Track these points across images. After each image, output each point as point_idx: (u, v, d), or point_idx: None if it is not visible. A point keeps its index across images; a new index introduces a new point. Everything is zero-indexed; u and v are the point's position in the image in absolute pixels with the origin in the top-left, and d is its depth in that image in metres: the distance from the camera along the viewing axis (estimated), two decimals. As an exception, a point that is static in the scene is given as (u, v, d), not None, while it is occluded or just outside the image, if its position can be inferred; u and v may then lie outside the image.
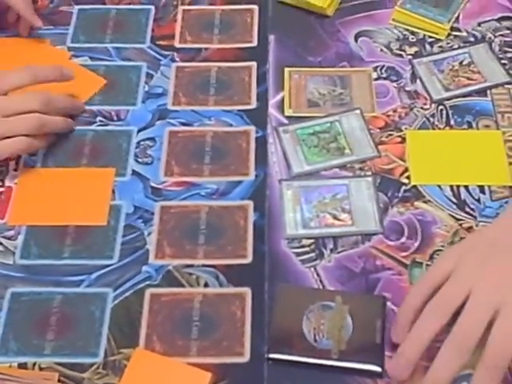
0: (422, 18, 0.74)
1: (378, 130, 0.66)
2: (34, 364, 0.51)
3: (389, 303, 0.54)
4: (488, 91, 0.68)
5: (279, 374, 0.50)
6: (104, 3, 0.77)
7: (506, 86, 0.69)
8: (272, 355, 0.51)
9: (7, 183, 0.61)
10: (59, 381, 0.50)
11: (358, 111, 0.67)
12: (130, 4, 0.77)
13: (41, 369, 0.50)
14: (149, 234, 0.58)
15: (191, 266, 0.56)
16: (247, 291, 0.54)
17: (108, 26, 0.74)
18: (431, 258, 0.57)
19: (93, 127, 0.65)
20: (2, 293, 0.54)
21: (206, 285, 0.55)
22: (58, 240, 0.57)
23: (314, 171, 0.63)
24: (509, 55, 0.72)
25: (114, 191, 0.61)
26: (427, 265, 0.56)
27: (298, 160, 0.64)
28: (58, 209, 0.59)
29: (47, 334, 0.52)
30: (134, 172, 0.62)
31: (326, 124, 0.66)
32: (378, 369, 0.50)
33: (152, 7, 0.76)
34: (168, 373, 0.50)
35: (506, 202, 0.60)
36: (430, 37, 0.74)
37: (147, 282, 0.55)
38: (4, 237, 0.58)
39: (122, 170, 0.62)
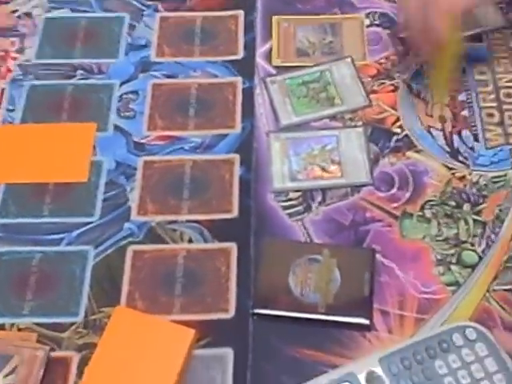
0: None
1: (370, 79, 0.63)
2: (13, 325, 0.49)
3: (378, 255, 0.52)
4: (483, 36, 0.66)
5: (265, 330, 0.49)
6: (84, -46, 0.74)
7: (502, 30, 0.66)
8: (257, 310, 0.50)
9: (-15, 140, 0.60)
10: (38, 341, 0.48)
11: (348, 59, 0.64)
12: (111, -47, 0.74)
13: (19, 329, 0.49)
14: (131, 189, 0.56)
15: (175, 221, 0.54)
16: (232, 246, 0.53)
17: (89, -23, 0.72)
18: (422, 208, 0.55)
19: (73, 81, 0.63)
20: (-20, 252, 0.53)
21: (190, 241, 0.53)
22: (37, 198, 0.56)
23: (303, 122, 0.61)
24: (507, -2, 0.68)
25: (95, 147, 0.59)
26: (418, 216, 0.54)
27: (286, 111, 0.61)
28: (37, 166, 0.58)
29: (26, 294, 0.51)
30: (116, 127, 0.60)
31: (315, 73, 0.64)
32: (366, 321, 0.49)
33: (135, -44, 0.73)
34: (150, 330, 0.48)
35: (501, 150, 0.58)
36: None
37: (129, 239, 0.54)
38: (-17, 195, 0.56)
39: (103, 124, 0.60)
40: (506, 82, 0.62)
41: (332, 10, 0.69)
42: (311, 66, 0.64)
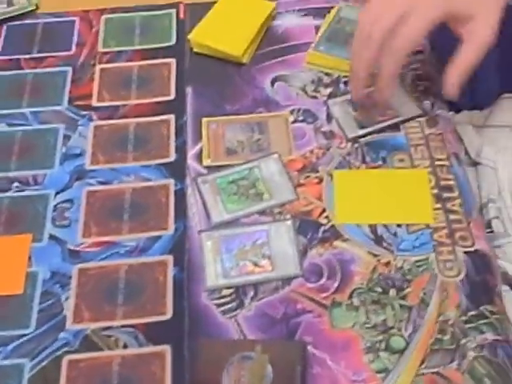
0: (336, 59, 0.75)
1: (296, 173, 0.67)
2: None
3: (310, 347, 0.54)
4: (401, 125, 0.70)
5: (201, 432, 0.50)
6: (21, 68, 0.77)
7: (418, 119, 0.70)
8: (194, 412, 0.50)
9: None
10: None
11: (276, 155, 0.68)
12: (47, 67, 0.77)
13: None
14: (66, 298, 0.57)
15: (110, 327, 0.55)
16: (166, 349, 0.54)
17: (25, 91, 0.74)
18: (350, 297, 0.57)
19: (9, 194, 0.65)
20: None
21: (124, 346, 0.54)
22: (-27, 313, 0.57)
23: (234, 219, 0.63)
24: (420, 88, 0.73)
25: (30, 258, 0.60)
26: (347, 304, 0.56)
27: (218, 209, 0.64)
28: (-26, 281, 0.58)
29: (-38, 413, 0.51)
30: (51, 236, 0.62)
31: (244, 171, 0.67)
32: (299, 416, 0.50)
33: (69, 68, 0.77)
34: None
35: (422, 234, 0.61)
36: (345, 76, 0.75)
37: (65, 349, 0.54)
38: None
39: (38, 235, 0.62)
40: (424, 167, 0.66)
41: (258, 109, 0.73)
42: (240, 164, 0.67)
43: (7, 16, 0.82)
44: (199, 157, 0.68)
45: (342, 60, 0.75)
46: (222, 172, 0.67)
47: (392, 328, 0.55)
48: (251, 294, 0.58)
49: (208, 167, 0.67)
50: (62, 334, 0.55)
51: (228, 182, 0.66)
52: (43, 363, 0.53)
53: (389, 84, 0.62)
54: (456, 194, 0.63)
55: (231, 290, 0.58)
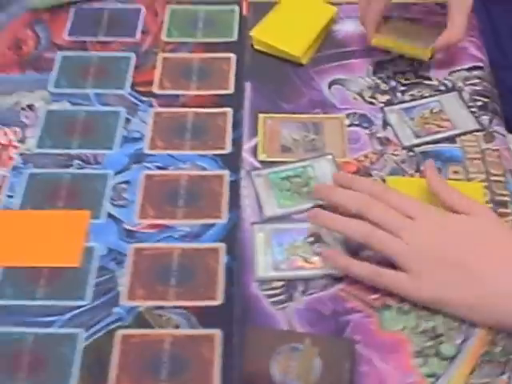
0: (402, 43, 0.76)
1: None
2: (3, 404, 0.51)
3: (358, 346, 0.55)
4: (457, 138, 0.71)
5: (247, 416, 0.51)
6: (87, 50, 0.79)
7: (475, 133, 0.71)
8: (240, 396, 0.51)
9: (-16, 225, 0.62)
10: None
11: (330, 156, 0.69)
12: (112, 51, 0.79)
13: (10, 409, 0.51)
14: (121, 275, 0.59)
15: (162, 307, 0.57)
16: (217, 333, 0.55)
17: (89, 73, 0.76)
18: (401, 301, 0.57)
19: (70, 170, 0.67)
20: (-26, 333, 0.55)
21: (176, 326, 0.56)
22: (32, 281, 0.58)
23: (286, 214, 0.64)
24: (479, 103, 0.74)
25: (88, 233, 0.62)
26: (397, 308, 0.57)
27: (270, 203, 0.65)
28: (33, 250, 0.60)
29: (19, 374, 0.52)
30: (109, 215, 0.63)
31: (298, 169, 0.68)
32: (344, 411, 0.51)
33: (133, 54, 0.79)
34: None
35: None
36: (402, 84, 0.76)
37: (118, 324, 0.56)
38: (-20, 277, 0.59)
39: (97, 212, 0.63)
40: (479, 181, 0.67)
41: (314, 109, 0.74)
42: (294, 162, 0.68)
43: (75, -1, 0.84)
44: (254, 151, 0.70)
45: (409, 44, 0.76)
46: (275, 168, 0.68)
47: (442, 335, 0.55)
48: (301, 288, 0.59)
49: (263, 162, 0.69)
50: (115, 309, 0.56)
51: (281, 178, 0.67)
52: (97, 335, 0.55)
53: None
54: (510, 210, 0.64)
55: (281, 283, 0.59)
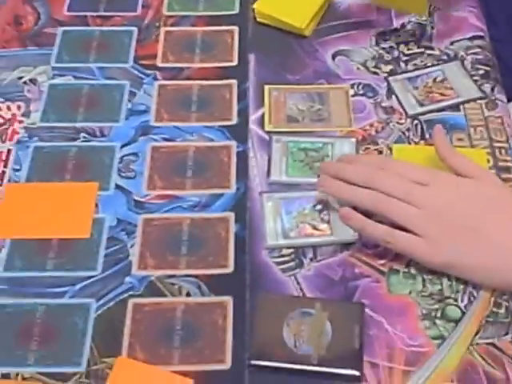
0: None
1: (356, 143, 0.68)
2: (17, 374, 0.51)
3: (367, 309, 0.55)
4: (461, 106, 0.71)
5: (260, 381, 0.51)
6: (88, 25, 0.79)
7: (478, 101, 0.71)
8: (253, 362, 0.52)
9: (-9, 198, 0.62)
10: (42, 390, 0.50)
11: (353, 139, 0.68)
12: (113, 26, 0.79)
13: (24, 379, 0.51)
14: (132, 245, 0.59)
15: (173, 276, 0.57)
16: (229, 300, 0.55)
17: (92, 47, 0.76)
18: (408, 265, 0.58)
19: (76, 143, 0.67)
20: (-15, 305, 0.55)
21: (187, 294, 0.56)
22: (41, 253, 0.58)
23: (290, 183, 0.64)
24: (480, 72, 0.74)
25: (97, 205, 0.62)
26: (404, 272, 0.58)
27: (279, 169, 0.65)
28: (42, 222, 0.60)
29: (30, 345, 0.53)
30: (118, 186, 0.63)
31: (318, 144, 0.67)
32: (356, 373, 0.51)
33: (135, 28, 0.78)
34: (150, 380, 0.51)
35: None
36: (405, 54, 0.76)
37: (130, 293, 0.56)
38: (-10, 247, 0.59)
39: (105, 184, 0.63)
40: (483, 147, 0.67)
41: (319, 80, 0.74)
42: (317, 136, 0.68)
43: (75, -26, 0.84)
44: (261, 122, 0.70)
45: None
46: (296, 137, 0.68)
47: (448, 298, 0.56)
48: (310, 255, 0.59)
49: (269, 132, 0.69)
50: (127, 279, 0.57)
51: (298, 148, 0.67)
52: (109, 304, 0.55)
53: None
54: (514, 174, 0.64)
55: (291, 250, 0.59)
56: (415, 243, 0.55)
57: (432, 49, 0.77)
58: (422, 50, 0.77)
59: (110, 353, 0.52)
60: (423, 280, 0.57)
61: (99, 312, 0.55)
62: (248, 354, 0.52)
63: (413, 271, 0.58)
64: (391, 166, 0.60)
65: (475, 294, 0.56)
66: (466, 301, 0.56)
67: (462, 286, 0.56)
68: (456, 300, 0.56)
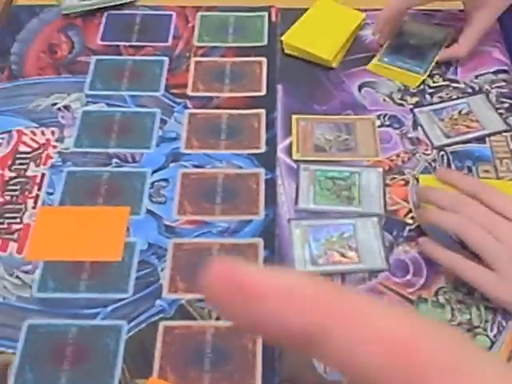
0: (398, 70, 0.78)
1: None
2: (50, 394, 0.52)
3: (396, 337, 0.55)
4: (486, 138, 0.72)
5: (290, 405, 0.52)
6: (120, 54, 0.81)
7: (504, 133, 0.72)
8: (283, 386, 0.52)
9: (26, 220, 0.64)
10: (75, 409, 0.51)
11: (380, 169, 0.69)
12: (144, 55, 0.81)
13: (56, 398, 0.52)
14: (162, 269, 0.60)
15: (203, 300, 0.58)
16: (258, 324, 0.56)
17: (124, 76, 0.78)
18: (436, 294, 0.58)
19: (108, 168, 0.68)
20: (19, 325, 0.56)
21: (217, 318, 0.56)
22: (74, 274, 0.59)
23: (318, 211, 0.65)
24: (505, 105, 0.75)
25: (128, 229, 0.63)
26: (433, 301, 0.58)
27: (307, 197, 0.66)
28: (75, 245, 0.61)
29: (63, 365, 0.53)
30: (148, 211, 0.65)
31: (345, 172, 0.68)
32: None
33: (166, 58, 0.80)
34: (181, 402, 0.51)
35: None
36: (430, 87, 0.78)
37: (161, 315, 0.57)
38: (22, 271, 0.60)
39: (136, 208, 0.65)
40: (509, 180, 0.68)
41: (346, 111, 0.75)
42: (344, 166, 0.69)
43: (108, 5, 0.86)
44: (289, 151, 0.71)
45: (403, 71, 0.77)
46: (324, 166, 0.69)
47: (477, 327, 0.56)
48: (338, 282, 0.60)
49: (297, 161, 0.70)
50: (158, 302, 0.58)
51: (326, 177, 0.68)
52: (140, 326, 0.56)
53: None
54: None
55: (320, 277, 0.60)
56: (486, 276, 0.55)
57: (457, 82, 0.78)
58: (447, 82, 0.78)
59: (141, 374, 0.53)
60: (452, 309, 0.57)
61: (130, 334, 0.56)
62: (278, 378, 0.53)
63: (441, 300, 0.58)
64: (488, 195, 0.58)
65: (504, 324, 0.56)
66: (495, 330, 0.56)
67: (491, 316, 0.57)
68: (485, 330, 0.56)
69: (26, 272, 0.60)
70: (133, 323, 0.56)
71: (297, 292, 0.18)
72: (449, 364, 0.18)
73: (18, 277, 0.59)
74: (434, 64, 0.78)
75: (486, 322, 0.56)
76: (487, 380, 0.17)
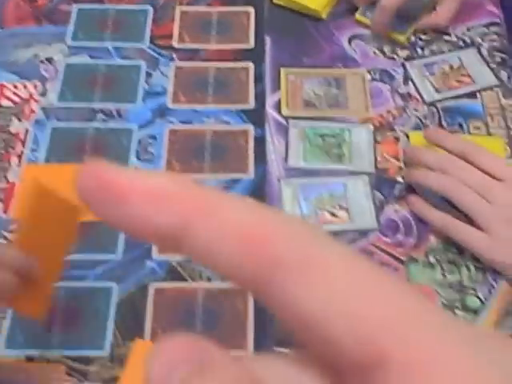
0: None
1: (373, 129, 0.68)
2: (41, 357, 0.52)
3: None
4: (478, 94, 0.71)
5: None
6: (103, 2, 0.78)
7: (495, 88, 0.71)
8: (276, 348, 0.52)
9: (10, 179, 0.62)
10: (67, 373, 0.50)
11: (371, 126, 0.68)
12: (128, 4, 0.78)
13: (48, 361, 0.51)
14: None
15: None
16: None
17: (107, 26, 0.75)
18: (426, 254, 0.58)
19: (94, 124, 0.66)
20: (7, 287, 0.55)
21: (209, 279, 0.56)
22: (62, 235, 0.58)
23: (308, 169, 0.65)
24: (497, 59, 0.74)
25: (116, 188, 0.62)
26: (423, 261, 0.58)
27: (297, 155, 0.65)
28: (62, 204, 0.60)
29: (54, 328, 0.53)
30: (136, 169, 0.63)
31: (336, 129, 0.67)
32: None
33: (150, 7, 0.77)
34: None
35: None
36: (421, 40, 0.76)
37: (151, 277, 0.56)
38: (9, 231, 0.59)
39: (123, 166, 0.63)
40: (500, 136, 0.67)
41: (335, 64, 0.74)
42: (334, 122, 0.68)
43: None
44: (278, 106, 0.69)
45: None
46: (314, 122, 0.68)
47: (467, 287, 0.57)
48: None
49: (286, 117, 0.69)
50: (148, 263, 0.57)
51: (316, 134, 0.67)
52: (130, 288, 0.56)
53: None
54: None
55: (310, 237, 0.60)
56: (478, 237, 0.55)
57: (448, 34, 0.77)
58: (439, 35, 0.77)
59: (132, 336, 0.53)
60: (442, 269, 0.58)
61: (121, 296, 0.55)
62: (270, 340, 0.53)
63: (432, 260, 0.58)
64: (477, 156, 0.58)
65: (495, 285, 0.57)
66: (485, 291, 0.56)
67: (481, 277, 0.57)
68: (475, 290, 0.56)
69: (13, 232, 0.59)
70: (123, 285, 0.56)
71: (160, 192, 0.18)
72: (303, 254, 0.17)
73: (5, 237, 0.58)
74: (415, 24, 0.75)
75: (476, 282, 0.57)
76: (341, 271, 0.17)
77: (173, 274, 0.57)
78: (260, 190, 0.63)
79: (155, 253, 0.58)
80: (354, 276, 0.17)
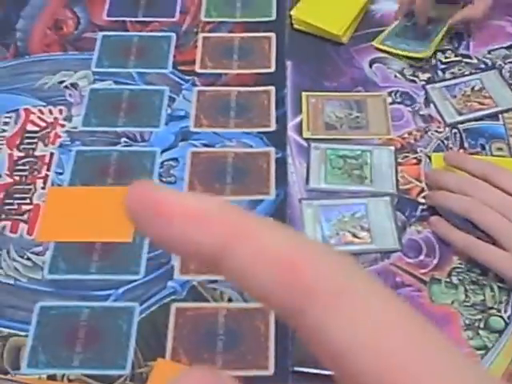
0: (400, 52, 0.76)
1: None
2: (63, 376, 0.52)
3: (409, 318, 0.55)
4: (500, 115, 0.71)
5: (303, 387, 0.52)
6: (127, 30, 0.80)
7: (518, 110, 0.71)
8: (296, 368, 0.52)
9: (35, 201, 0.63)
10: (88, 392, 0.51)
11: (392, 148, 0.68)
12: (151, 31, 0.79)
13: (69, 380, 0.52)
14: (173, 250, 0.59)
15: (215, 281, 0.57)
16: (270, 306, 0.56)
17: (131, 52, 0.77)
18: (449, 275, 0.58)
19: (117, 147, 0.67)
20: (31, 307, 0.56)
21: (229, 300, 0.56)
22: (85, 256, 0.59)
23: (329, 191, 0.65)
24: (519, 81, 0.74)
25: (139, 209, 0.62)
26: (446, 281, 0.58)
27: (318, 177, 0.65)
28: (85, 226, 0.61)
29: (75, 347, 0.53)
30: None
31: (356, 151, 0.68)
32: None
33: (173, 34, 0.79)
34: None
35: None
36: (442, 63, 0.76)
37: (172, 297, 0.56)
38: (32, 252, 0.59)
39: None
40: (522, 157, 0.67)
41: (356, 88, 0.74)
42: (355, 144, 0.68)
43: (113, -21, 0.84)
44: (299, 129, 0.70)
45: (406, 53, 0.76)
46: (335, 144, 0.68)
47: (491, 308, 0.56)
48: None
49: (307, 139, 0.69)
50: (169, 283, 0.57)
51: (337, 156, 0.67)
52: (152, 308, 0.56)
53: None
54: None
55: (331, 258, 0.59)
56: (501, 257, 0.55)
57: (469, 57, 0.77)
58: (460, 58, 0.77)
59: (153, 356, 0.53)
60: (465, 290, 0.57)
61: (142, 315, 0.55)
62: (291, 361, 0.52)
63: (455, 281, 0.58)
64: (498, 176, 0.58)
65: (518, 304, 0.56)
66: (509, 311, 0.56)
67: (505, 297, 0.56)
68: (499, 311, 0.56)
69: (37, 253, 0.59)
70: (145, 305, 0.56)
71: (202, 214, 0.19)
72: (333, 285, 0.18)
73: (28, 258, 0.59)
74: (439, 38, 0.76)
75: (500, 303, 0.56)
76: (371, 304, 0.18)
77: (194, 294, 0.57)
78: (281, 212, 0.63)
79: (177, 273, 0.58)
80: (384, 314, 0.18)
